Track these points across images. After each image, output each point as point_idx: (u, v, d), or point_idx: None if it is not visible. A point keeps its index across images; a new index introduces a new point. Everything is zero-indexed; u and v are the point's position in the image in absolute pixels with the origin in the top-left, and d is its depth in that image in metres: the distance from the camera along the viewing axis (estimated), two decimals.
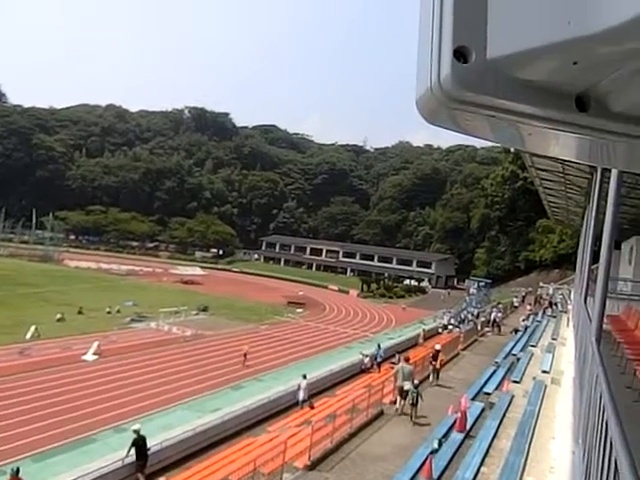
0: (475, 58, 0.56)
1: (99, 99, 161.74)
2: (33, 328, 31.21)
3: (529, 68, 0.57)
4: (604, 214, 7.07)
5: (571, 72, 0.58)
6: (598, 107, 0.62)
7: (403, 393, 18.39)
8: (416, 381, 20.02)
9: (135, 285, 61.63)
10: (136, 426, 15.78)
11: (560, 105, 0.61)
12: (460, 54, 0.56)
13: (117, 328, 36.12)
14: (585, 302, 10.14)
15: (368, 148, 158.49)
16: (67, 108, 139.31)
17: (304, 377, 22.27)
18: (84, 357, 27.66)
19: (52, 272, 65.06)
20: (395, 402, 19.01)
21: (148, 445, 15.37)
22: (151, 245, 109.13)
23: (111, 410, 20.16)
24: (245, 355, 28.97)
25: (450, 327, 41.78)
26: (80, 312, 39.93)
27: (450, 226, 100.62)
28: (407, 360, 21.20)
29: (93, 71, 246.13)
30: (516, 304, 53.69)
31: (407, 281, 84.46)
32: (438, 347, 25.15)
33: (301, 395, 21.71)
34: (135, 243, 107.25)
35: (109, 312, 41.19)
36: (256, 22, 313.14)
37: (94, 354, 28.03)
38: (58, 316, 36.74)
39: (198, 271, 76.22)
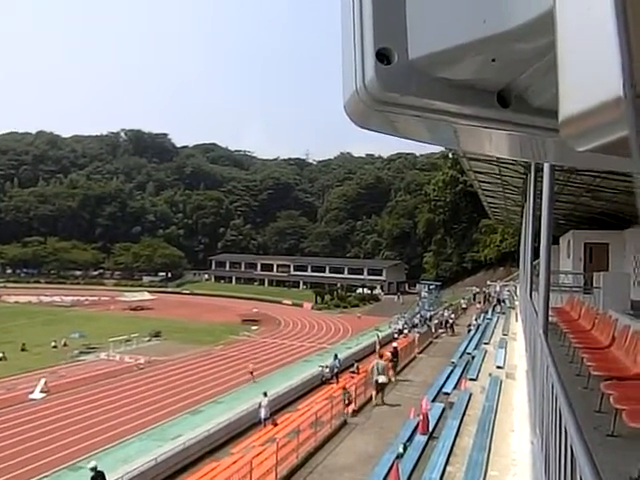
0: (398, 59, 0.57)
1: (28, 126, 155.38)
2: None
3: (450, 67, 0.58)
4: (541, 211, 7.41)
5: (490, 69, 0.59)
6: (519, 102, 0.63)
7: (378, 386, 20.55)
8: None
9: (81, 316, 59.31)
10: (92, 463, 15.18)
11: (482, 102, 0.62)
12: (383, 56, 0.56)
13: (65, 362, 34.64)
14: (531, 297, 10.54)
15: (311, 161, 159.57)
16: None
17: (265, 395, 22.06)
18: (31, 396, 26.36)
19: None
20: (371, 398, 20.99)
21: None
22: (95, 273, 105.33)
23: (65, 448, 19.29)
24: (252, 373, 30.01)
25: (405, 331, 42.42)
26: (23, 349, 38.07)
27: (397, 232, 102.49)
28: (381, 357, 23.33)
29: (20, 98, 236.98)
30: (464, 306, 54.99)
31: (360, 290, 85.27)
32: (395, 344, 27.66)
33: (263, 413, 21.46)
34: (78, 272, 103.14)
35: (55, 346, 39.46)
36: (187, 38, 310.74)
37: (42, 392, 26.75)
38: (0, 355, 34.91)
39: (147, 296, 74.09)
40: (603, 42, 0.35)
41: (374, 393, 20.85)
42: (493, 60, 0.59)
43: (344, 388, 22.25)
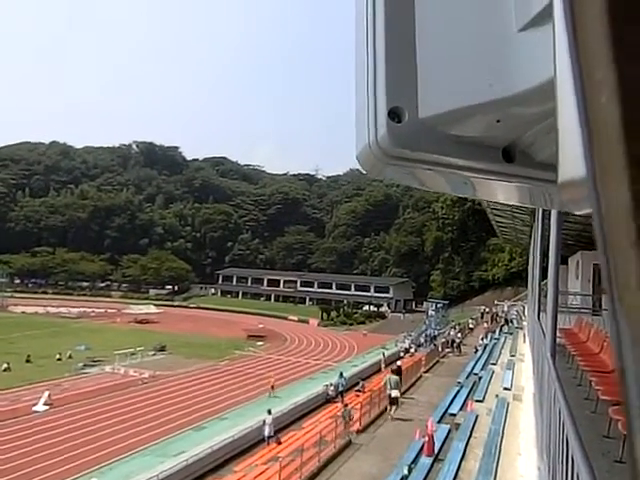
0: (408, 118, 0.60)
1: (41, 137, 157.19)
2: None
3: (458, 125, 0.62)
4: (549, 231, 7.35)
5: (495, 129, 0.63)
6: (523, 157, 0.68)
7: (392, 400, 21.92)
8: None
9: (87, 328, 59.36)
10: (93, 479, 15.04)
11: (488, 157, 0.66)
12: (394, 114, 0.60)
13: (69, 375, 34.60)
14: (539, 317, 10.43)
15: (320, 177, 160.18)
16: (8, 146, 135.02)
17: (269, 412, 21.83)
18: (35, 408, 26.28)
19: None
20: (386, 409, 22.36)
21: None
22: (102, 285, 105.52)
23: (67, 463, 19.13)
24: (272, 387, 29.97)
25: (412, 350, 42.06)
26: (28, 360, 38.07)
27: (405, 250, 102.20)
28: (394, 372, 24.67)
29: (34, 109, 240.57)
30: (471, 325, 54.48)
31: (366, 307, 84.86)
32: (399, 363, 28.44)
33: (267, 431, 21.24)
34: (85, 284, 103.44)
35: (60, 358, 39.44)
36: (201, 55, 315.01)
37: (45, 404, 26.67)
38: (4, 366, 34.96)
39: (153, 309, 74.06)
40: None
41: (388, 407, 22.19)
42: (498, 121, 0.62)
43: (345, 406, 22.30)
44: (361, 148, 0.63)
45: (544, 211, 11.23)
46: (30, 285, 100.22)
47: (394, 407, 22.09)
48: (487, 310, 62.37)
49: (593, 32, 0.27)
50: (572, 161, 0.43)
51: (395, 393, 22.11)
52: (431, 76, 0.60)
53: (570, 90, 0.36)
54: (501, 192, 0.72)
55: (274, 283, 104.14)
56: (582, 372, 9.16)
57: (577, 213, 0.47)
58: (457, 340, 41.86)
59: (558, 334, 8.31)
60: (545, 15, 0.50)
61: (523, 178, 0.68)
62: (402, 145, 0.61)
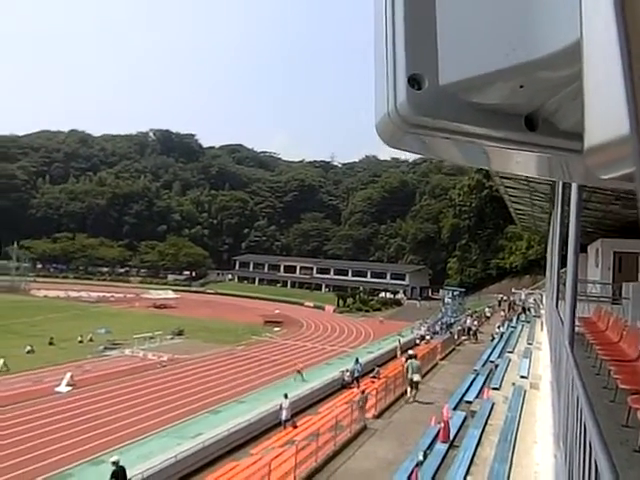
0: (428, 85, 0.59)
1: (61, 125, 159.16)
2: (1, 361, 30.26)
3: (479, 92, 0.61)
4: (568, 219, 7.27)
5: (518, 95, 0.61)
6: (546, 125, 0.65)
7: (413, 384, 22.77)
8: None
9: (107, 312, 60.35)
10: (114, 457, 15.36)
11: (510, 125, 0.64)
12: (414, 81, 0.59)
13: (90, 357, 35.27)
14: (557, 306, 10.35)
15: (336, 163, 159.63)
16: (28, 135, 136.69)
17: (285, 396, 22.05)
18: (57, 389, 26.88)
19: (19, 303, 63.26)
20: (406, 392, 23.19)
21: (128, 476, 14.98)
22: (121, 270, 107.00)
23: (87, 442, 19.59)
24: (299, 371, 30.34)
25: (428, 337, 42.05)
26: (51, 343, 38.87)
27: (421, 237, 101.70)
28: (415, 357, 25.42)
29: (54, 97, 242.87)
30: (488, 314, 54.20)
31: (382, 294, 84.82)
32: (411, 351, 28.56)
33: (284, 415, 21.49)
34: (105, 269, 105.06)
35: (81, 341, 40.21)
36: (217, 42, 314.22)
37: (68, 385, 27.27)
38: (28, 348, 35.70)
39: (171, 294, 74.98)
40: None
41: (408, 389, 23.04)
42: (521, 86, 0.60)
43: (362, 392, 22.51)
44: (380, 117, 0.62)
45: (563, 197, 11.08)
46: (51, 270, 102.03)
47: (414, 391, 22.85)
48: (504, 298, 61.98)
49: None
50: (600, 125, 0.42)
51: (417, 377, 23.02)
52: (452, 41, 0.59)
53: (599, 52, 0.35)
54: (520, 163, 0.70)
55: (290, 269, 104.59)
56: (601, 361, 9.10)
57: (603, 177, 0.45)
58: (473, 328, 41.72)
59: (577, 323, 8.24)
60: None
61: (545, 147, 0.66)
62: (422, 113, 0.59)
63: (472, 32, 0.59)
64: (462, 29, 0.59)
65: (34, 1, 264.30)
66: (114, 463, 14.95)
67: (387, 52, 0.61)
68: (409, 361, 24.29)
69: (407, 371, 23.54)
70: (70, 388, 27.08)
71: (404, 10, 0.60)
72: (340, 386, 28.59)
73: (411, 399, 22.72)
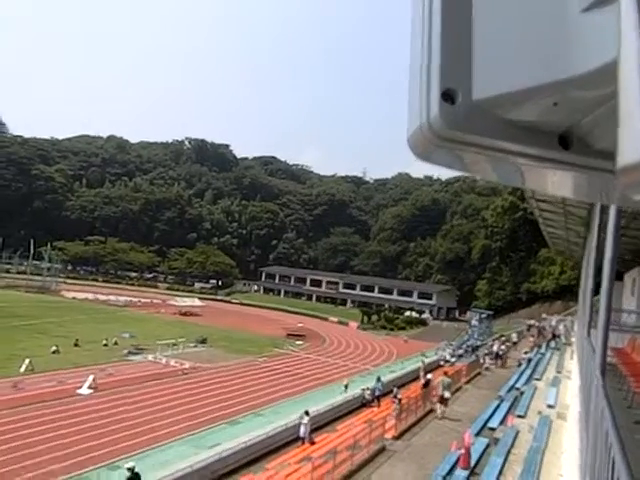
0: (462, 99, 0.59)
1: (100, 130, 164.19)
2: (27, 361, 30.71)
3: (512, 109, 0.60)
4: (605, 245, 6.97)
5: (552, 113, 0.61)
6: (581, 144, 0.64)
7: (444, 401, 23.39)
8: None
9: (132, 316, 61.12)
10: (130, 464, 15.35)
11: (543, 143, 0.63)
12: (448, 96, 0.58)
13: (114, 361, 35.63)
14: (589, 334, 9.95)
15: (368, 179, 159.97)
16: (68, 139, 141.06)
17: (306, 413, 21.72)
18: (79, 391, 27.16)
19: (49, 303, 64.62)
20: (436, 409, 23.83)
21: None
22: (150, 276, 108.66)
23: (105, 446, 19.66)
24: (346, 386, 30.62)
25: (452, 360, 41.21)
26: (76, 344, 39.43)
27: (451, 257, 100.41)
28: (446, 374, 26.64)
29: (94, 103, 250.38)
30: (515, 340, 52.80)
31: (408, 312, 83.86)
32: (430, 376, 28.85)
33: (302, 431, 21.21)
34: (134, 274, 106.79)
35: (106, 344, 40.69)
36: (255, 55, 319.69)
37: (89, 388, 27.52)
38: (53, 348, 36.26)
39: (196, 302, 75.65)
40: None
41: (438, 406, 23.58)
42: (555, 104, 0.60)
43: (400, 400, 23.94)
44: (412, 130, 0.62)
45: (600, 222, 10.69)
46: (82, 272, 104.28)
47: (444, 407, 23.36)
48: (534, 323, 60.41)
49: None
50: (635, 144, 0.42)
51: (447, 394, 23.72)
52: (487, 57, 0.59)
53: (635, 72, 0.35)
54: (554, 182, 0.68)
55: (316, 283, 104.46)
56: (633, 394, 8.68)
57: (636, 198, 0.44)
58: (501, 352, 40.68)
59: (609, 353, 7.87)
60: None
61: (580, 167, 0.64)
62: (454, 127, 0.59)
63: (507, 48, 0.59)
64: (497, 45, 0.59)
65: (92, 5, 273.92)
66: (129, 469, 14.93)
67: (422, 66, 0.61)
68: (440, 378, 25.25)
69: (438, 388, 24.33)
70: (92, 391, 27.33)
71: (441, 25, 0.60)
72: (360, 404, 28.15)
73: (440, 415, 23.11)
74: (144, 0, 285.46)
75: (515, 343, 50.71)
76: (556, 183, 0.69)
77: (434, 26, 0.60)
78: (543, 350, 38.26)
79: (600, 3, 0.52)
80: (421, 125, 0.60)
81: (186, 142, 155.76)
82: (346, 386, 30.76)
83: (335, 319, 78.41)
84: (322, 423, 24.17)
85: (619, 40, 0.44)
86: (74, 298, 73.73)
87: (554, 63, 0.56)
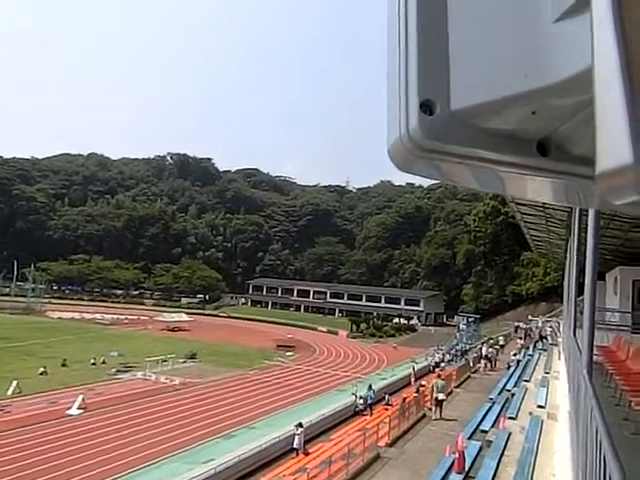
0: (440, 110, 0.59)
1: (80, 148, 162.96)
2: (15, 383, 30.29)
3: (490, 118, 0.60)
4: (586, 246, 7.19)
5: (530, 121, 0.61)
6: (559, 151, 0.65)
7: (438, 402, 24.28)
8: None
9: (120, 334, 60.52)
10: None
11: (522, 150, 0.63)
12: (426, 107, 0.59)
13: (103, 380, 35.25)
14: (574, 334, 10.18)
15: (351, 188, 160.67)
16: (48, 158, 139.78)
17: (300, 425, 21.66)
18: (69, 411, 26.83)
19: (34, 324, 63.69)
20: (431, 410, 25.01)
21: None
22: (136, 293, 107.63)
23: (98, 466, 19.45)
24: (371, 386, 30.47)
25: (442, 365, 41.44)
26: (64, 364, 38.95)
27: (436, 263, 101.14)
28: (439, 376, 28.01)
29: (74, 121, 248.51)
30: (502, 342, 53.29)
31: (396, 319, 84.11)
32: (424, 382, 29.87)
33: (296, 441, 21.18)
34: (119, 291, 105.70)
35: (94, 363, 40.25)
36: (233, 69, 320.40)
37: (79, 408, 27.21)
38: (41, 370, 35.79)
39: (184, 317, 75.12)
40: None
41: (433, 408, 24.58)
42: (533, 113, 0.60)
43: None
44: (392, 141, 0.62)
45: (580, 224, 10.98)
46: (67, 291, 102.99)
47: (439, 409, 24.26)
48: (521, 325, 61.01)
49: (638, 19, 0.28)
50: (612, 150, 0.42)
51: (442, 396, 24.47)
52: (464, 68, 0.59)
53: (610, 79, 0.35)
54: (534, 188, 0.69)
55: (304, 294, 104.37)
56: (621, 391, 8.89)
57: (615, 203, 0.45)
58: (490, 355, 41.05)
59: (595, 351, 8.09)
60: (582, 4, 0.50)
61: (558, 173, 0.65)
62: (434, 137, 0.59)
63: (484, 59, 0.59)
64: (474, 56, 0.60)
65: (60, 24, 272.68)
66: None
67: (400, 78, 0.61)
68: (434, 381, 26.08)
69: (432, 390, 25.02)
70: (82, 411, 27.02)
71: (417, 36, 0.60)
72: (353, 413, 28.19)
73: (434, 417, 24.02)
74: (118, 16, 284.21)
75: (502, 346, 51.16)
76: (536, 189, 0.69)
77: (410, 38, 0.61)
78: (531, 352, 38.65)
79: (572, 13, 0.53)
80: (401, 136, 0.60)
81: (168, 157, 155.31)
82: (354, 393, 30.42)
83: (324, 329, 78.35)
84: (316, 433, 24.16)
85: (592, 48, 0.45)
86: (60, 318, 72.77)
87: (530, 72, 0.56)
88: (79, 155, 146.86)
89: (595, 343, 7.42)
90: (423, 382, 28.76)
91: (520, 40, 0.58)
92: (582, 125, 0.60)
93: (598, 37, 0.43)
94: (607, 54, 0.35)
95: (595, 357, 7.36)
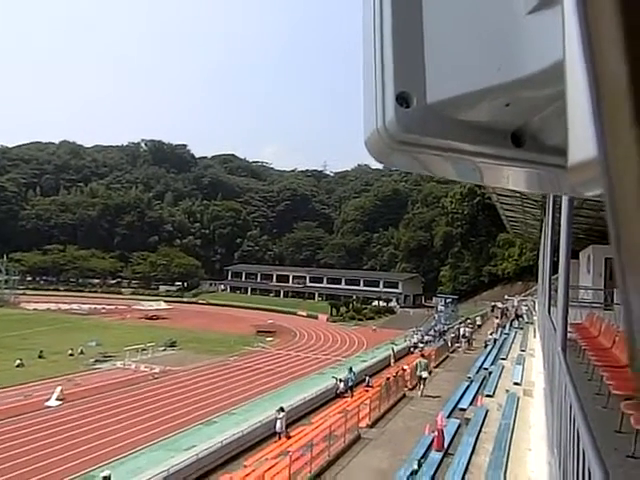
0: (416, 103, 0.60)
1: (52, 136, 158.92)
2: None
3: (466, 110, 0.62)
4: (560, 225, 7.29)
5: (504, 113, 0.63)
6: (533, 141, 0.66)
7: (421, 380, 25.90)
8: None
9: (98, 324, 59.82)
10: (105, 472, 15.20)
11: (497, 142, 0.65)
12: (402, 99, 0.60)
13: (81, 370, 34.88)
14: (549, 312, 10.36)
15: (328, 172, 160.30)
16: (19, 146, 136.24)
17: (282, 409, 21.79)
18: (47, 403, 26.51)
19: (9, 316, 62.49)
20: (414, 388, 26.68)
21: None
22: (113, 282, 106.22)
23: (79, 457, 19.31)
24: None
25: (421, 345, 42.01)
26: (41, 356, 38.39)
27: (414, 245, 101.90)
28: (423, 356, 29.63)
29: (44, 108, 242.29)
30: (479, 322, 54.24)
31: (375, 302, 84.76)
32: (406, 367, 29.74)
33: (278, 426, 21.32)
34: (96, 281, 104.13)
35: (72, 354, 39.75)
36: (209, 53, 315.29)
37: (58, 399, 26.90)
38: (17, 362, 35.22)
39: (163, 305, 74.51)
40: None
41: (418, 385, 26.25)
42: (507, 105, 0.62)
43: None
44: (369, 134, 0.63)
45: (554, 205, 11.13)
46: (42, 282, 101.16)
47: (422, 386, 25.90)
48: (498, 305, 62.11)
49: (604, 14, 0.28)
50: (582, 143, 0.43)
51: (425, 374, 26.06)
52: (439, 60, 0.60)
53: (580, 72, 0.36)
54: (510, 178, 0.71)
55: (283, 279, 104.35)
56: (593, 367, 9.10)
57: (587, 195, 0.45)
58: (467, 335, 41.75)
59: (569, 329, 8.25)
60: None
61: (533, 163, 0.67)
62: (410, 130, 0.60)
63: (458, 52, 0.60)
64: (449, 49, 0.61)
65: (28, 14, 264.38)
66: (105, 478, 14.76)
67: (375, 71, 0.61)
68: (418, 360, 27.69)
69: (416, 369, 26.73)
70: (60, 402, 26.73)
71: (392, 30, 0.60)
72: (334, 395, 28.45)
73: (419, 394, 25.53)
74: (95, 2, 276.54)
75: (480, 326, 52.09)
76: (511, 179, 0.71)
77: (385, 31, 0.61)
78: (507, 330, 39.42)
79: (543, 5, 0.54)
80: (378, 129, 0.61)
81: (142, 144, 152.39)
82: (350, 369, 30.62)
83: (304, 313, 78.61)
84: (297, 417, 24.33)
85: (563, 41, 0.45)
86: (35, 309, 71.55)
87: (504, 65, 0.57)
88: (50, 143, 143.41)
89: (569, 320, 7.56)
90: (405, 366, 29.42)
91: (494, 33, 0.59)
92: (555, 117, 0.61)
93: (569, 30, 0.43)
94: (577, 47, 0.36)
95: (569, 334, 7.49)
